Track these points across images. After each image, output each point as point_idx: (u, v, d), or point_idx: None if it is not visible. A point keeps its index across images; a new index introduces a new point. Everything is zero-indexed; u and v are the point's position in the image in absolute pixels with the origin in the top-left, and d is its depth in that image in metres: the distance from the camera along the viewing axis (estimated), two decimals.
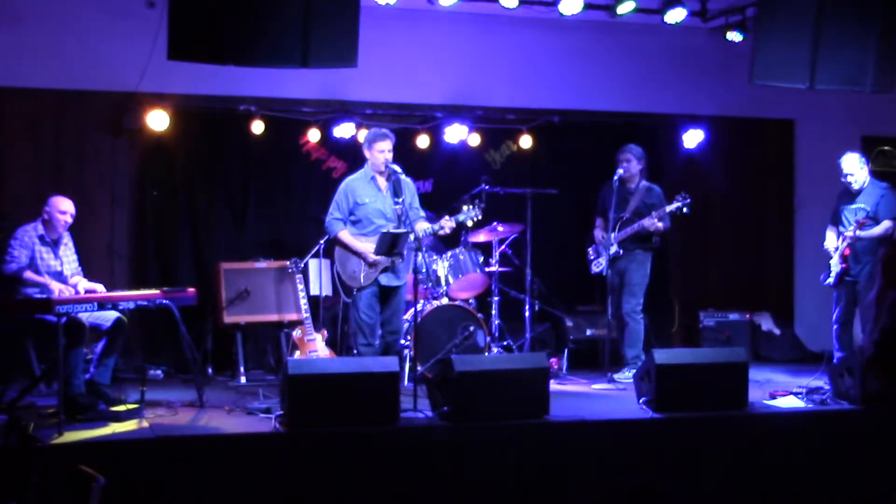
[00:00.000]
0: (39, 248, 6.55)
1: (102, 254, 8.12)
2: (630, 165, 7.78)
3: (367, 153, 7.06)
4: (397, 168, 6.95)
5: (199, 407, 6.45)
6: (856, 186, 7.50)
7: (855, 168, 7.48)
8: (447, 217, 6.89)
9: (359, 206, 6.99)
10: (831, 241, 7.60)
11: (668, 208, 7.59)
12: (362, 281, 6.92)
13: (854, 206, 7.50)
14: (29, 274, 6.44)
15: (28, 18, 7.83)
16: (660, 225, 7.63)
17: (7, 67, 7.74)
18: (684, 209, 7.56)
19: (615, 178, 7.66)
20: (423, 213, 7.24)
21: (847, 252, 7.44)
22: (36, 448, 5.14)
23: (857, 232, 7.32)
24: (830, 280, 7.52)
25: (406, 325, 7.40)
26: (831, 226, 7.70)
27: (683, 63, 9.20)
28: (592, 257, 7.94)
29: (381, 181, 7.03)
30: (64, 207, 6.63)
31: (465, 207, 6.90)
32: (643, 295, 7.74)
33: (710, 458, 6.10)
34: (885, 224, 7.36)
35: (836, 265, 7.45)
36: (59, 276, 6.61)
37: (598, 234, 7.95)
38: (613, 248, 7.70)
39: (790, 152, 9.73)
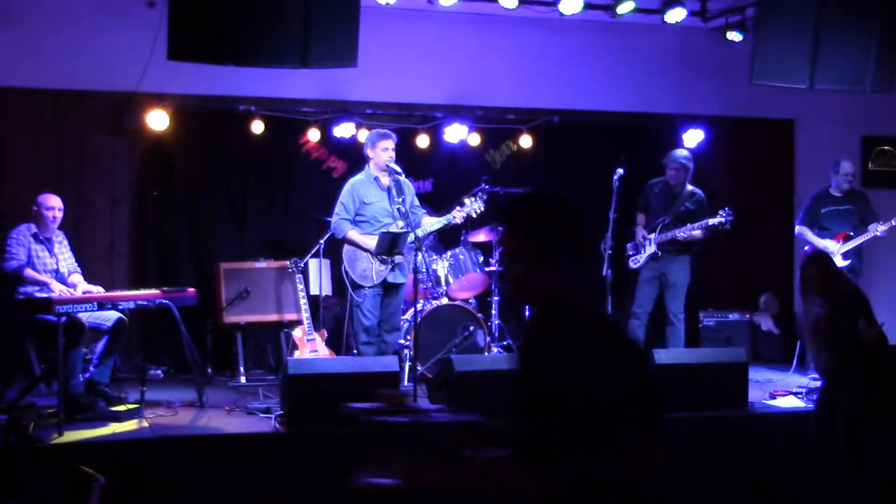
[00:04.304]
0: (35, 247, 6.56)
1: (102, 254, 8.11)
2: (679, 174, 7.82)
3: (370, 153, 7.10)
4: (397, 168, 7.00)
5: (199, 407, 6.46)
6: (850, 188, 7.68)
7: (856, 171, 7.66)
8: (458, 208, 7.15)
9: (365, 205, 7.05)
10: (828, 243, 7.64)
11: (711, 222, 7.56)
12: (375, 279, 6.96)
13: (843, 208, 7.61)
14: (29, 272, 6.45)
15: (28, 18, 7.82)
16: (695, 234, 7.65)
17: (7, 67, 7.72)
18: (727, 225, 7.53)
19: (615, 177, 7.62)
20: (423, 210, 7.34)
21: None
22: (36, 448, 5.14)
23: (841, 244, 7.46)
24: None
25: (406, 325, 7.42)
26: (804, 226, 7.78)
27: (683, 63, 9.19)
28: (631, 253, 7.97)
29: (384, 181, 7.09)
30: (51, 203, 6.66)
31: (467, 201, 7.17)
32: (685, 296, 7.82)
33: (710, 458, 6.10)
34: (876, 226, 7.53)
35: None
36: (57, 274, 6.62)
37: (640, 232, 7.96)
38: (651, 248, 7.77)
39: (790, 152, 9.71)
